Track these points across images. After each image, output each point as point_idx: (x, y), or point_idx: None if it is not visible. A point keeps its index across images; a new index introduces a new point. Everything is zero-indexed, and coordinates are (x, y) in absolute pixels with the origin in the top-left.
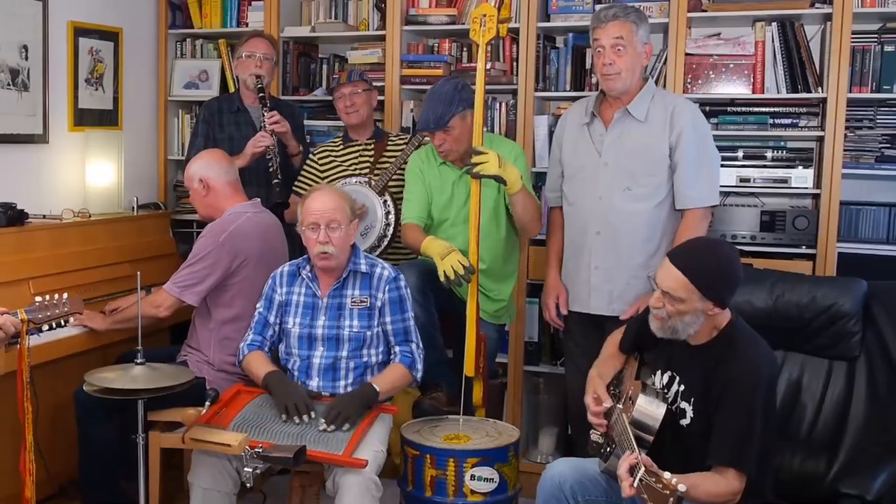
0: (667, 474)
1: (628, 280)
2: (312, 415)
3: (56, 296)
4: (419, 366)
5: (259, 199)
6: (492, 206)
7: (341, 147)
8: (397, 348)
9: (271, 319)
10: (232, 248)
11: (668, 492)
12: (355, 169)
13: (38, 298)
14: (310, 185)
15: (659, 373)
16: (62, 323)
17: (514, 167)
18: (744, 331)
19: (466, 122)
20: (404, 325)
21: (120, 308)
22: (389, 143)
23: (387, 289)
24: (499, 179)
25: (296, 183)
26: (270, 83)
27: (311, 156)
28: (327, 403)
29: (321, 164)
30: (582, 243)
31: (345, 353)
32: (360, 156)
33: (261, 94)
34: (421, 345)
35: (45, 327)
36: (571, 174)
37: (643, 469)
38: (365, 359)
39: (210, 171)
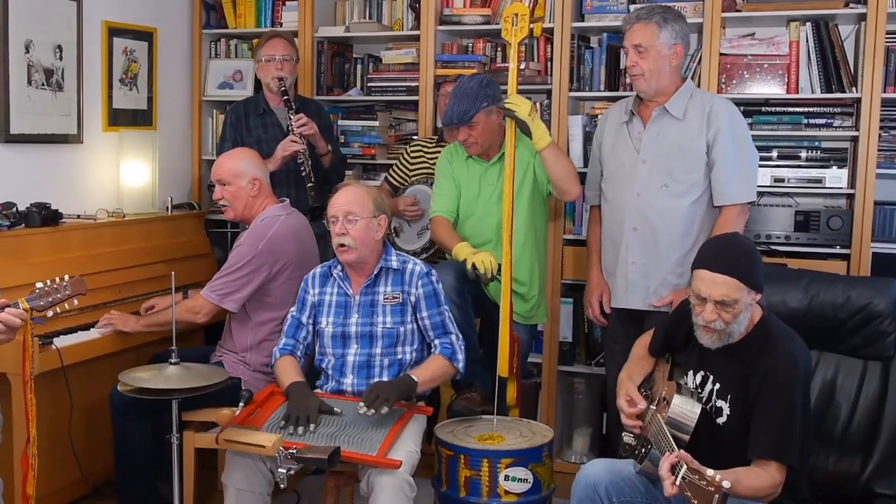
0: (710, 471)
1: (665, 276)
2: (311, 427)
3: (57, 279)
4: (460, 356)
5: (287, 201)
6: (527, 205)
7: (433, 145)
8: (437, 341)
9: (304, 320)
10: (271, 255)
11: (712, 488)
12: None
13: (39, 284)
14: (399, 175)
15: (691, 373)
16: (67, 308)
17: (546, 128)
18: (777, 324)
19: (491, 118)
20: (441, 318)
21: (156, 308)
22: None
23: (420, 283)
24: (524, 129)
25: (389, 172)
26: (293, 83)
27: (406, 147)
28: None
29: (412, 157)
30: (619, 239)
31: (378, 350)
32: None
33: (285, 97)
34: (460, 336)
35: (50, 313)
36: (610, 172)
37: (685, 467)
38: (399, 356)
39: (260, 171)
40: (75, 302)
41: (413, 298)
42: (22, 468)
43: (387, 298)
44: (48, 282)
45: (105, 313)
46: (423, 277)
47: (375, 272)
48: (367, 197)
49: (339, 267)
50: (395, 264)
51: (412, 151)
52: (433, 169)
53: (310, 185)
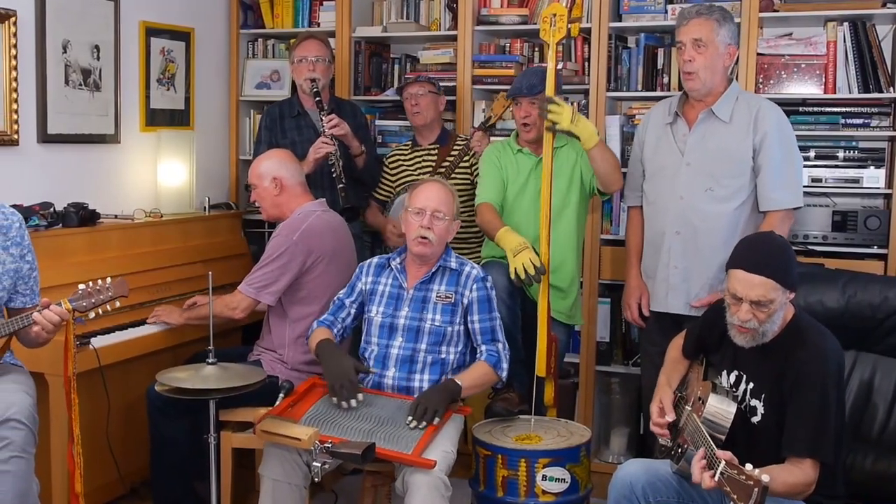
0: (748, 466)
1: (706, 280)
2: (360, 398)
3: (99, 281)
4: (504, 365)
5: (325, 200)
6: (569, 199)
7: (409, 152)
8: (483, 347)
9: (347, 302)
10: (305, 246)
11: (751, 482)
12: (420, 174)
13: (82, 286)
14: (384, 191)
15: (725, 373)
16: (109, 309)
17: (590, 122)
18: (809, 322)
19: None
20: (491, 325)
21: (199, 304)
22: (455, 146)
23: (475, 287)
24: (571, 135)
25: (376, 189)
26: (327, 84)
27: (384, 160)
28: (402, 400)
29: (392, 169)
30: (661, 242)
31: (423, 346)
32: (423, 160)
33: (317, 98)
34: (507, 345)
35: (92, 314)
36: (653, 173)
37: (723, 462)
38: (443, 355)
39: (283, 170)
40: (117, 304)
41: (466, 301)
42: (69, 467)
43: (439, 297)
44: (90, 283)
45: (142, 313)
46: (478, 281)
47: (433, 269)
48: (453, 200)
49: (398, 259)
50: (453, 264)
51: (391, 164)
52: (416, 175)
53: (340, 185)
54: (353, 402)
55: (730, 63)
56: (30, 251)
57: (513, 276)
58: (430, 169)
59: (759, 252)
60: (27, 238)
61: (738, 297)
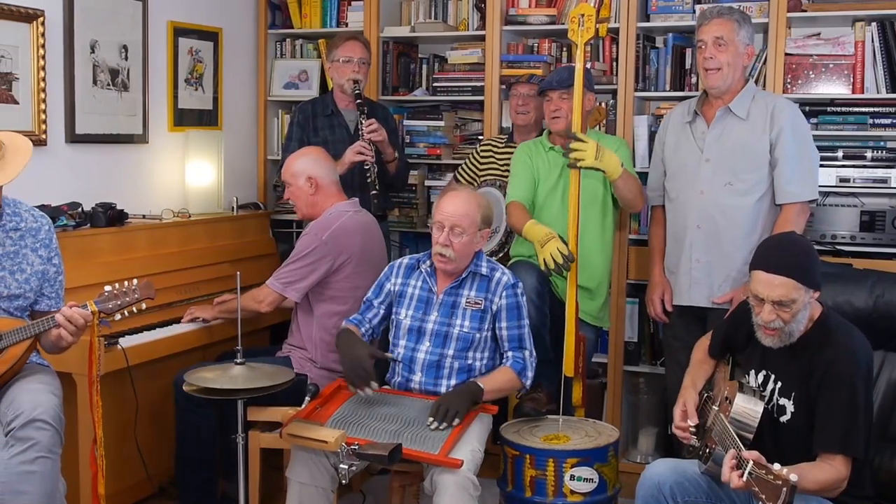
0: (776, 465)
1: (728, 273)
2: (374, 385)
3: (126, 283)
4: (529, 373)
5: (357, 199)
6: (599, 200)
7: (503, 145)
8: (510, 353)
9: (375, 303)
10: (335, 246)
11: (780, 482)
12: (505, 169)
13: (108, 287)
14: (468, 175)
15: (753, 372)
16: (135, 311)
17: (614, 155)
18: (837, 319)
19: (586, 97)
20: (519, 332)
21: (226, 300)
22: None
23: (504, 294)
24: (596, 170)
25: (458, 170)
26: (365, 86)
27: (476, 147)
28: (426, 401)
29: (482, 157)
30: (683, 237)
31: (451, 352)
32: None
33: (359, 101)
34: (534, 353)
35: (118, 316)
36: (674, 171)
37: (751, 462)
38: (470, 361)
39: (318, 168)
40: (143, 306)
41: (495, 307)
42: (91, 469)
43: (469, 302)
44: (117, 285)
45: (170, 313)
46: (508, 289)
47: (463, 275)
48: (477, 211)
49: (427, 262)
50: (484, 270)
51: (482, 151)
52: (502, 170)
53: (374, 192)
54: (368, 391)
55: (748, 63)
56: (57, 255)
57: (542, 267)
58: None
59: (778, 252)
60: (55, 241)
61: (760, 297)
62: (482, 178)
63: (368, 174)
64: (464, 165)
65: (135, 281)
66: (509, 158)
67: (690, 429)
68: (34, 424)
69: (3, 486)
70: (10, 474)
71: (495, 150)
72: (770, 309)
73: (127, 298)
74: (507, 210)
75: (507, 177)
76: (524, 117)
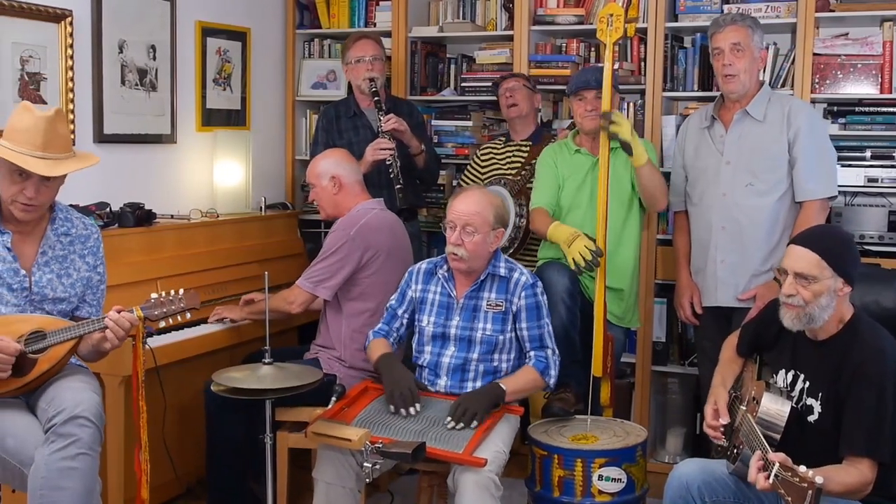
0: (802, 468)
1: (753, 272)
2: (417, 407)
3: (172, 291)
4: (553, 372)
5: (382, 199)
6: (626, 202)
7: (501, 146)
8: (532, 353)
9: (399, 312)
10: (363, 242)
11: (805, 484)
12: (508, 168)
13: (154, 295)
14: (470, 181)
15: (782, 372)
16: (179, 320)
17: (641, 144)
18: (868, 322)
19: (615, 99)
20: (540, 332)
21: (254, 301)
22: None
23: (523, 294)
24: (626, 148)
25: (461, 176)
26: (383, 82)
27: (476, 151)
28: (452, 401)
29: (482, 161)
30: (708, 239)
31: (475, 356)
32: (514, 156)
33: (376, 98)
34: (556, 351)
35: (162, 323)
36: (695, 176)
37: (777, 464)
38: (495, 363)
39: (341, 168)
40: (188, 315)
41: (514, 308)
42: (137, 474)
43: (490, 305)
44: (163, 293)
45: (198, 313)
46: (527, 289)
47: (482, 277)
48: (489, 209)
49: (444, 267)
50: (502, 271)
51: (482, 155)
52: (505, 168)
53: (398, 186)
54: (412, 411)
55: (761, 66)
56: (102, 263)
57: (572, 266)
58: (520, 165)
59: (816, 233)
60: (101, 251)
61: (784, 269)
62: (486, 180)
63: (391, 169)
64: (467, 171)
65: (181, 290)
66: (511, 156)
67: (720, 428)
68: (76, 421)
69: (43, 482)
70: (50, 470)
71: (495, 151)
72: (791, 282)
73: (172, 307)
74: (531, 216)
75: (510, 174)
76: (515, 109)
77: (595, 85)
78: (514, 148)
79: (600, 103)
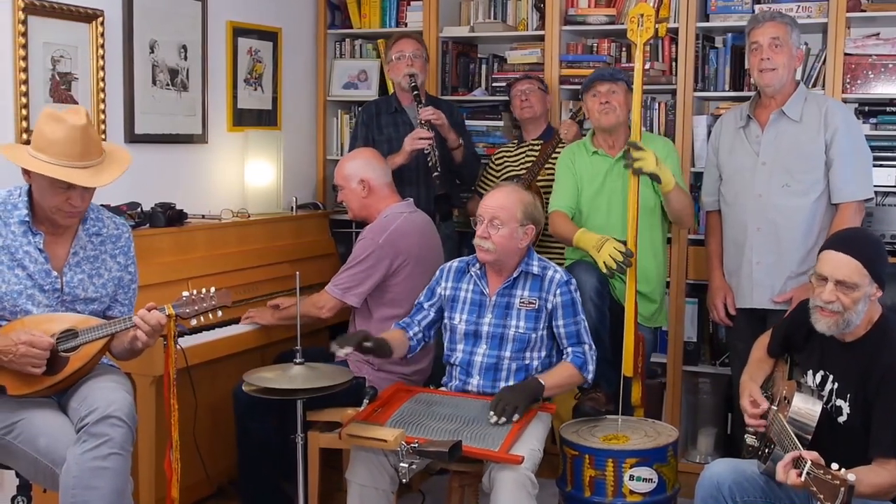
0: (834, 465)
1: (789, 274)
2: (348, 350)
3: (203, 290)
4: (591, 367)
5: (412, 199)
6: (650, 206)
7: (515, 148)
8: (569, 349)
9: (426, 305)
10: (392, 249)
11: (838, 482)
12: (521, 168)
13: (185, 293)
14: (487, 185)
15: (811, 373)
16: (210, 316)
17: (668, 167)
18: (895, 322)
19: (629, 98)
20: (577, 328)
21: (283, 305)
22: (560, 144)
23: (558, 292)
24: (654, 178)
25: (479, 182)
26: (425, 81)
27: (492, 157)
28: (485, 401)
29: (497, 164)
30: (743, 240)
31: (508, 354)
32: (527, 155)
33: (415, 92)
34: (593, 346)
35: (194, 321)
36: (729, 176)
37: (809, 462)
38: (527, 361)
39: (370, 171)
40: (219, 313)
41: (550, 306)
42: (167, 473)
43: (522, 302)
44: (195, 291)
45: (229, 313)
46: (562, 286)
47: (515, 275)
48: (517, 205)
49: (477, 265)
50: (535, 269)
51: (496, 160)
52: (519, 168)
53: (436, 174)
54: (339, 349)
55: (798, 65)
56: (133, 263)
57: (604, 270)
58: (532, 162)
59: (852, 238)
60: (132, 250)
61: (823, 276)
62: (501, 181)
63: (429, 157)
64: (482, 177)
65: (213, 288)
66: (524, 156)
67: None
68: (108, 421)
69: (75, 481)
70: (82, 469)
71: (508, 154)
72: (832, 289)
73: (204, 304)
74: (551, 220)
75: (525, 171)
76: (529, 110)
77: (608, 77)
78: (525, 147)
79: (615, 98)
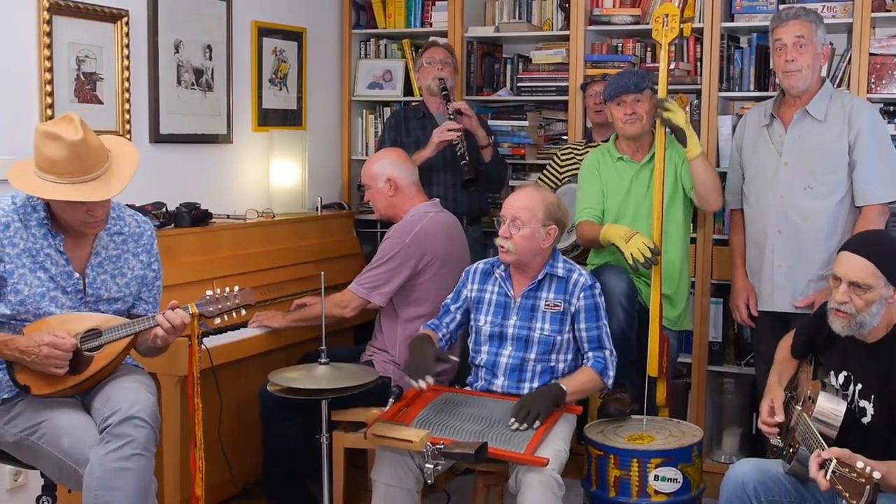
0: (860, 462)
1: (810, 277)
2: (430, 380)
3: (227, 288)
4: (611, 372)
5: (438, 200)
6: (674, 207)
7: (583, 148)
8: (590, 354)
9: (452, 308)
10: (418, 249)
11: (863, 480)
12: None
13: (209, 292)
14: (550, 179)
15: (833, 373)
16: (234, 315)
17: (695, 134)
18: None
19: (652, 102)
20: (598, 333)
21: (306, 305)
22: None
23: (582, 295)
24: (680, 136)
25: (541, 175)
26: (454, 87)
27: (557, 151)
28: (510, 402)
29: (562, 161)
30: (764, 242)
31: (533, 356)
32: None
33: (444, 93)
34: (614, 352)
35: (217, 320)
36: (752, 175)
37: (834, 461)
38: (552, 363)
39: (397, 170)
40: (243, 312)
41: (573, 309)
42: (192, 471)
43: (548, 305)
44: (218, 290)
45: (254, 313)
46: (586, 290)
47: (540, 277)
48: (540, 205)
49: (501, 266)
50: (560, 272)
51: (563, 155)
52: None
53: (464, 162)
54: (422, 384)
55: (824, 63)
56: (156, 260)
57: (630, 262)
58: None
59: (868, 240)
60: (156, 247)
61: (838, 277)
62: (564, 179)
63: (458, 147)
64: (547, 169)
65: (236, 287)
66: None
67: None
68: (131, 422)
69: (98, 482)
70: (105, 470)
71: (576, 152)
72: (845, 290)
73: (227, 303)
74: (577, 228)
75: None
76: (602, 115)
77: (633, 89)
78: (593, 147)
79: (640, 107)
